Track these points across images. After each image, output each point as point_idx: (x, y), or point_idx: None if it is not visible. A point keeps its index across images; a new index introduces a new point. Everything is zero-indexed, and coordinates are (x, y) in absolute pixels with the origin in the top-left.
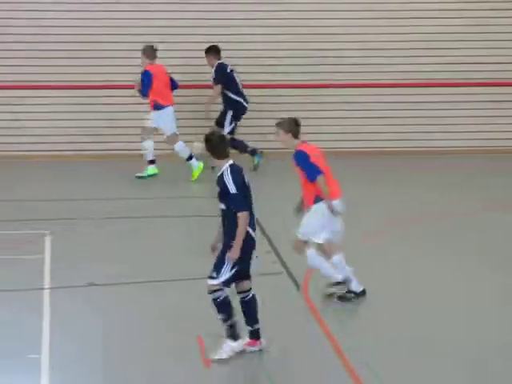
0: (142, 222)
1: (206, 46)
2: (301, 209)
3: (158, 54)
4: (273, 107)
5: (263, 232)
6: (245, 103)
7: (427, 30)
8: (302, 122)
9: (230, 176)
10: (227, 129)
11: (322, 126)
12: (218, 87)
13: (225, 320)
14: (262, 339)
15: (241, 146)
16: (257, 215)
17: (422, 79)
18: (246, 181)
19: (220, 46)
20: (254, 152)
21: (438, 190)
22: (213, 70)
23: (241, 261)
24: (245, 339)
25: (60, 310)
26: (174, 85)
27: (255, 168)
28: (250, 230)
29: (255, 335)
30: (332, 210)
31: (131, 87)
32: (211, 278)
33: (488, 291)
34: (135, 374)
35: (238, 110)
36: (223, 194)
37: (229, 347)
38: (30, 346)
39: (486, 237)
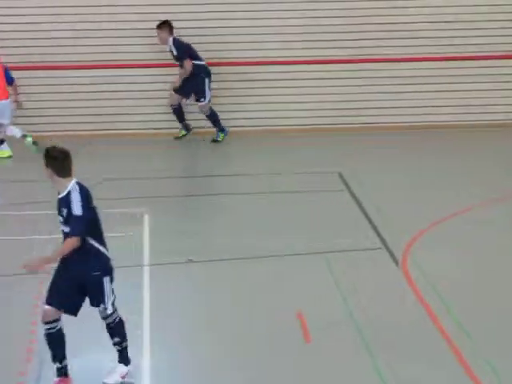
0: (237, 198)
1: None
2: None
3: None
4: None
5: (360, 207)
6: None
7: None
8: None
9: (78, 196)
10: (208, 97)
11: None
12: (190, 62)
13: (119, 343)
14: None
15: (215, 119)
16: (358, 194)
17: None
18: (93, 202)
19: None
20: (222, 129)
21: None
22: (171, 47)
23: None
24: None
25: (160, 286)
26: (7, 79)
27: (214, 140)
28: (106, 252)
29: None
30: None
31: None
32: (104, 309)
33: None
34: (234, 350)
35: (210, 75)
36: (68, 216)
37: (122, 372)
38: (132, 323)
39: None
